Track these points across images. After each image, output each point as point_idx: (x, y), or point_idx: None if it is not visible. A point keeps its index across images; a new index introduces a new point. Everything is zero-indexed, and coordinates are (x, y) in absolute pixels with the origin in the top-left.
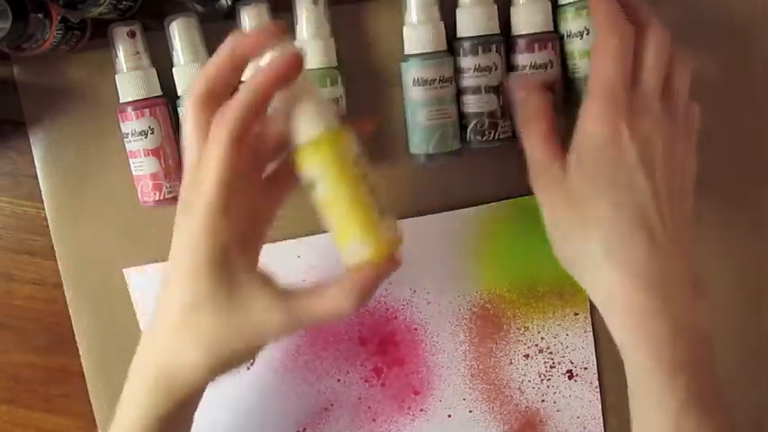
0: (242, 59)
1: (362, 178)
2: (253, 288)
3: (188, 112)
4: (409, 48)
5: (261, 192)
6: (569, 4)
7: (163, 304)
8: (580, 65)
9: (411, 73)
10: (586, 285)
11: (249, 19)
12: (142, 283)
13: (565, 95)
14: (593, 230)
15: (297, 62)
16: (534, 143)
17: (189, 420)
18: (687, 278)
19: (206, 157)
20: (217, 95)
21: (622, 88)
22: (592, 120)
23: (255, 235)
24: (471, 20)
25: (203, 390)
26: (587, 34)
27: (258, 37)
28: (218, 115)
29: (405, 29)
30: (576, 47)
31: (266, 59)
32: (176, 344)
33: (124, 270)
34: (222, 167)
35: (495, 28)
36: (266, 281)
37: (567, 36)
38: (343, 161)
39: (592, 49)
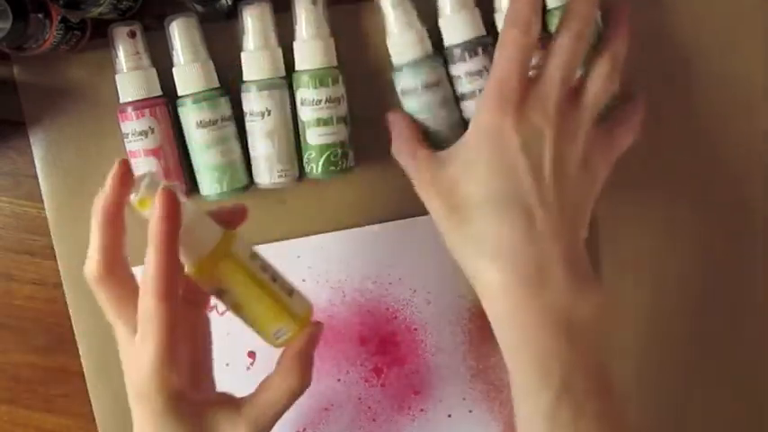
0: (113, 221)
1: (262, 271)
2: (212, 415)
3: (96, 293)
4: (397, 58)
5: (189, 318)
6: (556, 8)
7: None
8: None
9: (401, 83)
10: (469, 276)
11: (252, 19)
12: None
13: None
14: (470, 218)
15: (173, 201)
16: (406, 152)
17: None
18: (569, 266)
19: (144, 327)
20: (112, 263)
21: (515, 81)
22: (479, 111)
23: (202, 356)
24: (454, 27)
25: None
26: None
27: (114, 195)
28: (141, 292)
29: (387, 39)
30: None
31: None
32: None
33: None
34: (162, 329)
35: (479, 31)
36: (222, 400)
37: None
38: (240, 266)
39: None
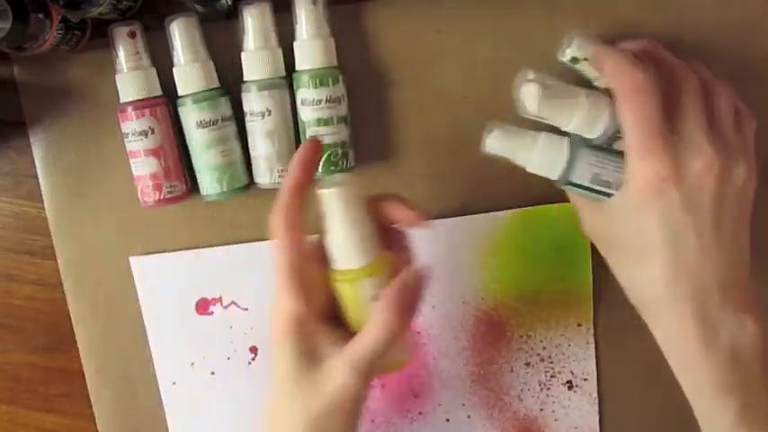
0: (300, 187)
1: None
2: (329, 357)
3: (277, 231)
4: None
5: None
6: None
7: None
8: None
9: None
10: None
11: (252, 19)
12: (145, 271)
13: None
14: (630, 263)
15: (315, 146)
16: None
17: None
18: (728, 301)
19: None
20: (298, 196)
21: (662, 141)
22: (633, 170)
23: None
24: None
25: None
26: None
27: (302, 176)
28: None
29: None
30: None
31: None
32: (280, 419)
33: (130, 258)
34: (281, 256)
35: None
36: (342, 341)
37: None
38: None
39: (618, 110)
